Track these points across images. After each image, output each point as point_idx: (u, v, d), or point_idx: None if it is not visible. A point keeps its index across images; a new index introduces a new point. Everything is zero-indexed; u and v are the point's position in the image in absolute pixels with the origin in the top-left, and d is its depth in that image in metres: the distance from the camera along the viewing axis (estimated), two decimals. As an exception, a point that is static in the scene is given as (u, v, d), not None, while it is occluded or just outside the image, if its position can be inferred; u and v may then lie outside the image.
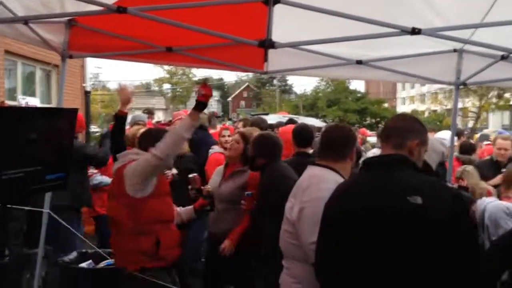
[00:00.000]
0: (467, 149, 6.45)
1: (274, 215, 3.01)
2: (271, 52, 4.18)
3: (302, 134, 4.30)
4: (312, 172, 2.62)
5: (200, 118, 6.14)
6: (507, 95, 33.00)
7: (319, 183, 2.45)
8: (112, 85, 73.72)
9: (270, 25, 2.88)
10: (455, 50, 4.13)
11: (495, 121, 40.10)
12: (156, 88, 69.18)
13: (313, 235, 2.30)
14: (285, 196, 2.72)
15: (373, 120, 34.67)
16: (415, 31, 2.81)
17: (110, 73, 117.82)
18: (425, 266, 1.86)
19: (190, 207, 3.77)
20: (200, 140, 5.34)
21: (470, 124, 34.96)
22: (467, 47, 3.99)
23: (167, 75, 63.27)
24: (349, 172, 2.60)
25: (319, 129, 8.34)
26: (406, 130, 2.13)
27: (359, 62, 4.29)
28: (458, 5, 3.21)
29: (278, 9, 2.92)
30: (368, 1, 3.13)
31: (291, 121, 7.96)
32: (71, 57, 4.12)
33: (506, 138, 5.63)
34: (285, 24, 3.21)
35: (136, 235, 3.08)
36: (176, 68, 59.69)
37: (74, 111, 3.85)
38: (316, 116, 31.88)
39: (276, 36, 3.03)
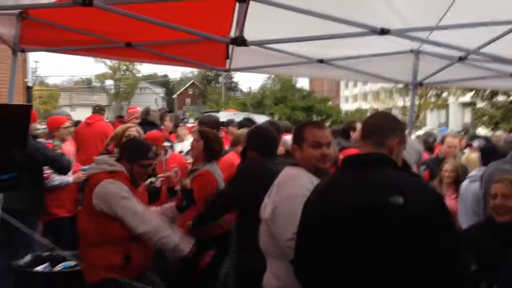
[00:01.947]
0: (428, 147, 6.70)
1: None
2: (234, 50, 4.14)
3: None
4: (287, 172, 2.61)
5: (151, 116, 6.03)
6: (444, 94, 34.60)
7: (291, 180, 2.44)
8: (51, 80, 71.12)
9: (243, 22, 2.83)
10: (411, 51, 4.26)
11: (432, 119, 41.99)
12: (98, 84, 67.29)
13: (288, 232, 2.29)
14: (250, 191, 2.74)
15: (319, 118, 35.27)
16: (383, 31, 2.86)
17: (48, 67, 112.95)
18: (406, 265, 1.86)
19: (170, 204, 3.65)
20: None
21: (412, 122, 36.28)
22: (424, 47, 4.12)
23: (110, 71, 61.74)
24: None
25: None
26: (387, 128, 2.09)
27: (320, 61, 4.33)
28: (416, 7, 3.30)
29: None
30: (331, 1, 3.14)
31: (247, 119, 7.87)
32: (23, 51, 3.91)
33: (455, 136, 5.87)
34: (252, 22, 3.18)
35: (103, 248, 2.98)
36: (119, 64, 58.37)
37: (28, 107, 3.65)
38: (263, 113, 32.04)
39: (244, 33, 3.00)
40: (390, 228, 1.87)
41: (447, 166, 4.66)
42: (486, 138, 8.46)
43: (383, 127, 2.10)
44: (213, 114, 9.01)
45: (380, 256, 1.89)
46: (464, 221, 4.29)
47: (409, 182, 1.96)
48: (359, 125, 6.16)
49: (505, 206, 2.74)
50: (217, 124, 5.54)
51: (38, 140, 4.79)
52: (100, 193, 3.03)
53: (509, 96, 21.84)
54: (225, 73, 46.11)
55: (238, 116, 11.52)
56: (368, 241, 1.91)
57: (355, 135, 5.93)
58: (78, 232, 3.16)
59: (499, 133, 8.33)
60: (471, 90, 22.11)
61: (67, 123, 5.21)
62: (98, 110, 6.92)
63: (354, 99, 57.98)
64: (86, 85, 70.92)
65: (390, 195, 1.86)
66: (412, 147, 2.85)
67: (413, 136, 6.14)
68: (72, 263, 3.83)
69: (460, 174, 4.57)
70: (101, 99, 61.18)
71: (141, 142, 3.57)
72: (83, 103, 56.05)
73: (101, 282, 2.98)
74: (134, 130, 4.46)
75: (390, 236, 1.87)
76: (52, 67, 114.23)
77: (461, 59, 3.78)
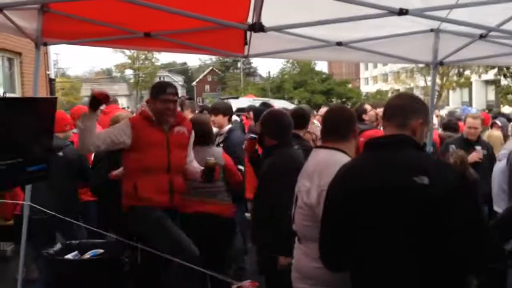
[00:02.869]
0: (451, 126, 6.64)
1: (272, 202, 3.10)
2: (251, 36, 4.14)
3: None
4: (322, 155, 2.62)
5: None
6: (467, 72, 33.93)
7: (334, 165, 2.41)
8: (72, 72, 71.99)
9: (260, 8, 2.83)
10: (432, 30, 4.20)
11: (455, 99, 41.27)
12: (118, 74, 67.84)
13: None
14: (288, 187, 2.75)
15: (339, 101, 35.03)
16: (402, 12, 2.83)
17: (69, 59, 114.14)
18: (431, 246, 1.89)
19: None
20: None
21: (434, 102, 35.77)
22: (444, 26, 4.06)
23: (129, 61, 62.11)
24: (354, 151, 2.61)
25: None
26: (410, 109, 2.10)
27: (339, 44, 4.31)
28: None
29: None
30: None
31: (264, 104, 7.91)
32: (45, 44, 3.99)
33: (476, 117, 5.78)
34: (268, 7, 3.18)
35: (125, 179, 3.69)
36: (138, 53, 58.64)
37: (53, 100, 3.75)
38: (283, 98, 31.96)
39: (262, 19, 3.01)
40: (414, 208, 1.90)
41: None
42: (508, 117, 8.34)
43: (406, 108, 2.11)
44: (226, 100, 8.92)
45: (404, 237, 1.91)
46: (495, 200, 4.28)
47: (432, 163, 2.00)
48: (369, 107, 6.15)
49: None
50: (229, 111, 5.51)
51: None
52: None
53: (534, 72, 21.33)
54: (244, 59, 46.02)
55: (257, 102, 11.51)
56: (392, 222, 1.94)
57: (367, 117, 5.92)
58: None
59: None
60: (493, 67, 21.63)
61: None
62: (112, 101, 7.12)
63: (374, 80, 57.25)
64: (106, 76, 71.55)
65: (415, 175, 1.89)
66: None
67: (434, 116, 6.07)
68: (100, 250, 3.95)
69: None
70: (122, 89, 61.88)
71: (162, 82, 3.93)
72: (104, 93, 56.52)
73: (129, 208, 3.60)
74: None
75: (414, 216, 1.90)
76: (71, 59, 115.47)
77: (482, 36, 3.73)
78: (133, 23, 3.88)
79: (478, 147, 5.15)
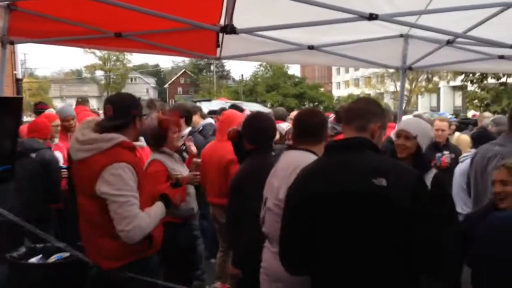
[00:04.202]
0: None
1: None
2: (224, 38, 4.14)
3: None
4: (292, 155, 2.64)
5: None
6: (435, 78, 34.72)
7: (305, 163, 2.42)
8: (40, 72, 70.49)
9: (232, 10, 2.83)
10: (401, 35, 4.29)
11: (423, 104, 42.17)
12: (88, 75, 66.76)
13: None
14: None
15: (311, 105, 35.32)
16: (372, 17, 2.88)
17: (37, 59, 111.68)
18: (391, 247, 1.92)
19: None
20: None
21: (403, 106, 36.46)
22: (413, 32, 4.15)
23: (100, 62, 61.24)
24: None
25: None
26: (369, 113, 2.15)
27: (311, 48, 4.35)
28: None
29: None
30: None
31: (234, 106, 7.90)
32: (12, 43, 3.88)
33: (443, 119, 5.90)
34: (241, 10, 3.18)
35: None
36: (109, 54, 57.87)
37: (18, 99, 3.66)
38: (255, 101, 32.02)
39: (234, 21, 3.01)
40: (374, 210, 1.93)
41: None
42: (475, 122, 8.56)
43: (365, 112, 2.16)
44: (182, 103, 8.77)
45: (363, 239, 1.94)
46: (456, 200, 4.38)
47: (390, 165, 2.03)
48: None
49: (502, 192, 2.74)
50: (187, 113, 5.44)
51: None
52: (109, 185, 2.78)
53: (498, 78, 21.96)
54: (217, 62, 45.85)
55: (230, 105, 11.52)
56: (352, 224, 1.96)
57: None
58: (86, 219, 2.91)
59: (486, 114, 8.44)
60: (461, 73, 22.18)
61: (57, 121, 5.21)
62: (81, 101, 6.92)
63: (346, 85, 58.00)
64: (76, 76, 70.35)
65: (374, 177, 1.93)
66: (426, 135, 2.94)
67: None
68: (65, 254, 3.86)
69: None
70: (92, 90, 60.91)
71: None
72: (73, 94, 55.64)
73: (125, 266, 2.81)
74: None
75: (374, 218, 1.93)
76: (41, 59, 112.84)
77: (449, 42, 3.82)
78: (103, 22, 3.82)
79: (446, 152, 5.25)
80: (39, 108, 6.75)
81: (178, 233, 3.86)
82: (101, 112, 11.37)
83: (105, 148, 2.69)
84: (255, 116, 3.61)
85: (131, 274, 2.75)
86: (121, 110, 2.80)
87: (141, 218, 2.67)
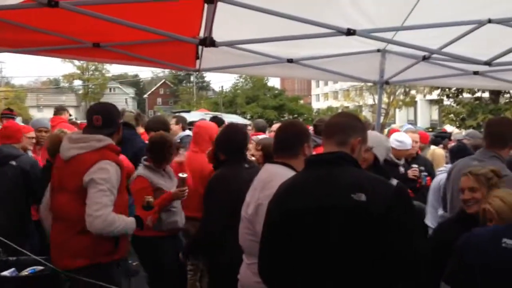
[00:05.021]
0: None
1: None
2: (203, 50, 4.14)
3: None
4: (268, 170, 2.64)
5: (126, 116, 5.93)
6: (413, 92, 35.30)
7: (274, 180, 2.44)
8: (17, 81, 69.39)
9: (212, 23, 2.84)
10: (378, 50, 4.35)
11: (401, 117, 42.80)
12: (66, 85, 66.01)
13: None
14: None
15: (291, 117, 35.51)
16: (350, 32, 2.92)
17: (14, 68, 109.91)
18: (369, 261, 1.93)
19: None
20: (125, 139, 5.11)
21: (380, 119, 36.95)
22: (390, 47, 4.22)
23: (78, 71, 60.63)
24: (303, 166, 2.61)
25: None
26: (350, 127, 2.15)
27: (290, 61, 4.38)
28: (381, 8, 3.39)
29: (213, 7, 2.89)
30: (298, 2, 3.19)
31: (215, 118, 7.89)
32: (-13, 52, 3.81)
33: (414, 131, 6.00)
34: (220, 22, 3.20)
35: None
36: (87, 64, 57.37)
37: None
38: (235, 112, 32.05)
39: (213, 34, 3.02)
40: (353, 225, 1.93)
41: None
42: (449, 136, 8.73)
43: (346, 126, 2.16)
44: (160, 115, 8.61)
45: (342, 253, 1.94)
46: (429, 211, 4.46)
47: (369, 180, 2.03)
48: None
49: (472, 199, 2.84)
50: (164, 125, 5.37)
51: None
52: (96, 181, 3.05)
53: (473, 93, 22.47)
54: (197, 73, 45.71)
55: (209, 116, 11.50)
56: (331, 239, 1.96)
57: None
58: (62, 218, 3.06)
59: (456, 130, 8.72)
60: (437, 88, 22.64)
61: (32, 133, 5.11)
62: (59, 111, 6.76)
63: (325, 97, 58.49)
64: (53, 86, 69.49)
65: (353, 192, 1.93)
66: (381, 143, 2.96)
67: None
68: (39, 267, 3.77)
69: None
70: (70, 100, 60.19)
71: None
72: (50, 104, 54.90)
73: (88, 267, 2.97)
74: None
75: (352, 233, 1.93)
76: (17, 68, 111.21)
77: (425, 58, 3.89)
78: (81, 32, 3.78)
79: (415, 165, 5.32)
80: (6, 114, 6.61)
81: (161, 247, 3.84)
82: (79, 121, 11.22)
83: (97, 147, 2.98)
84: (229, 127, 3.70)
85: (86, 279, 2.85)
86: (109, 120, 3.10)
87: (109, 211, 2.87)
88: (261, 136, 5.30)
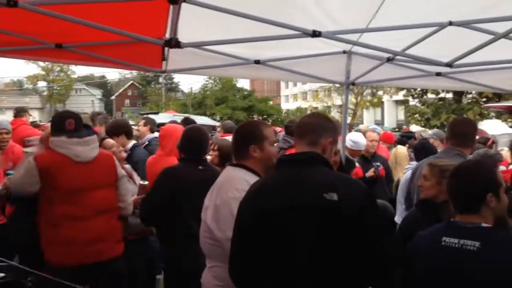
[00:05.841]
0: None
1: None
2: (169, 51, 4.10)
3: None
4: (226, 173, 2.63)
5: (83, 118, 5.79)
6: (380, 93, 35.89)
7: (230, 183, 2.46)
8: (-21, 83, 67.14)
9: (176, 24, 2.81)
10: (344, 52, 4.40)
11: (369, 118, 43.48)
12: (30, 86, 64.28)
13: (228, 233, 2.29)
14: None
15: (260, 117, 35.57)
16: (315, 34, 2.94)
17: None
18: (341, 260, 1.95)
19: None
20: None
21: (348, 120, 37.45)
22: (356, 49, 4.28)
23: (43, 72, 59.16)
24: (261, 167, 2.56)
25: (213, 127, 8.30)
26: (321, 128, 2.18)
27: (257, 62, 4.38)
28: (346, 10, 3.43)
29: (181, 8, 2.86)
30: (264, 4, 3.19)
31: (187, 120, 7.78)
32: None
33: (373, 130, 6.15)
34: (186, 24, 3.17)
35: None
36: (52, 65, 56.02)
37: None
38: (204, 114, 31.90)
39: (178, 35, 2.98)
40: (324, 224, 1.95)
41: None
42: (414, 135, 8.96)
43: (317, 127, 2.18)
44: (118, 119, 8.36)
45: (319, 253, 1.95)
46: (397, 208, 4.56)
47: (341, 180, 2.06)
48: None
49: (422, 186, 3.05)
50: (126, 127, 5.27)
51: None
52: None
53: (437, 94, 23.04)
54: (165, 74, 45.19)
55: (179, 118, 11.38)
56: (302, 239, 1.97)
57: None
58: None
59: (419, 129, 9.05)
60: (403, 89, 23.11)
61: None
62: (19, 113, 6.55)
63: (294, 98, 58.93)
64: (17, 87, 67.59)
65: (325, 192, 1.94)
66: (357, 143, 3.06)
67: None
68: (1, 274, 3.66)
69: None
70: (34, 102, 58.54)
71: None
72: (13, 106, 53.26)
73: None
74: None
75: (326, 232, 1.95)
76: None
77: (389, 59, 3.96)
78: (43, 33, 3.67)
79: (377, 163, 5.50)
80: None
81: (131, 250, 3.78)
82: (43, 124, 10.93)
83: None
84: (191, 128, 3.87)
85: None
86: (81, 124, 3.58)
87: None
88: (229, 138, 5.28)
